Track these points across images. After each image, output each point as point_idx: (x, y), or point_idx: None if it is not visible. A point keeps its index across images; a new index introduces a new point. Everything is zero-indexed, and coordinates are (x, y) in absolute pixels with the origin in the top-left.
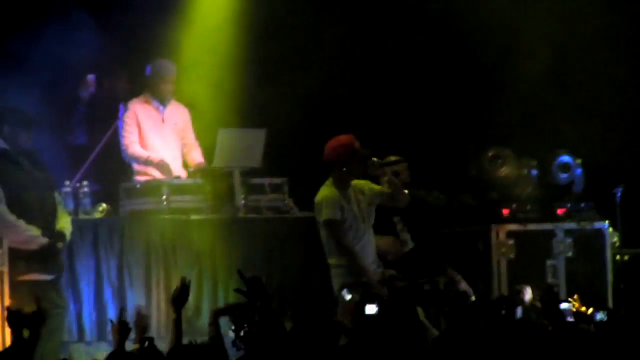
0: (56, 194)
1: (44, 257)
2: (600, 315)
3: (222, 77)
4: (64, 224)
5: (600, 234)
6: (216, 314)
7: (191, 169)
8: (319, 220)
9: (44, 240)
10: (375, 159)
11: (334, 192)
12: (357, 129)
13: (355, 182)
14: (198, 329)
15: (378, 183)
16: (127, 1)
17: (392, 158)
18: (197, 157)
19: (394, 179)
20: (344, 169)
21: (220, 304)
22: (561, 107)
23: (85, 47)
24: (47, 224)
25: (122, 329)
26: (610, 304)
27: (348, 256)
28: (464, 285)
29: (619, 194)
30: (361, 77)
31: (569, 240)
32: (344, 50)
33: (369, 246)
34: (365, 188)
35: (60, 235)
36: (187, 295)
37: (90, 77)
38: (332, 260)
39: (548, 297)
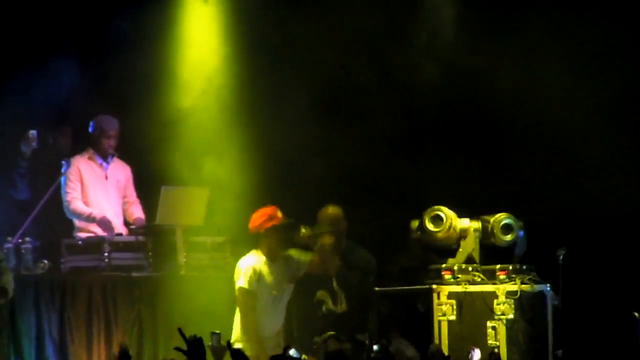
0: None
1: None
2: None
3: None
4: (6, 280)
5: (541, 296)
6: None
7: (131, 226)
8: (236, 283)
9: None
10: (304, 229)
11: (258, 261)
12: (298, 187)
13: (289, 251)
14: None
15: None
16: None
17: (323, 227)
18: (136, 211)
19: (325, 247)
20: (268, 239)
21: None
22: (505, 169)
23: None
24: None
25: None
26: None
27: (245, 327)
28: (411, 352)
29: (561, 257)
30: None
31: (510, 302)
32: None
33: (274, 318)
34: (295, 259)
35: (3, 291)
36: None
37: (33, 133)
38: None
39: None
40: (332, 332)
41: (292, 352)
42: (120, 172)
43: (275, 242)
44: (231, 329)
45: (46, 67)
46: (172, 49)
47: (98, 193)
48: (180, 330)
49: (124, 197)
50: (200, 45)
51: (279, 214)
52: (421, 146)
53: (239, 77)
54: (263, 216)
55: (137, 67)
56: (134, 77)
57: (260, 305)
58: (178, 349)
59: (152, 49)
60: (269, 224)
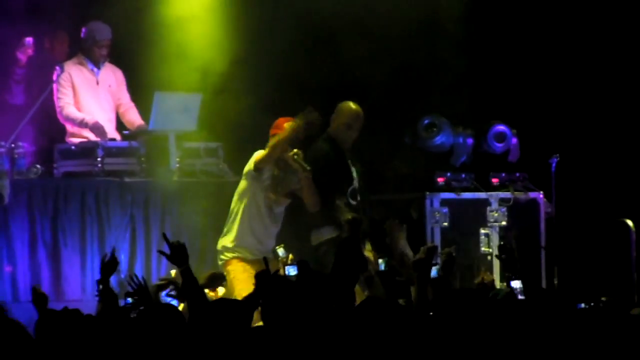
0: None
1: None
2: (515, 284)
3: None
4: (1, 184)
5: (534, 203)
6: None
7: (131, 131)
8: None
9: None
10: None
11: None
12: (293, 94)
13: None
14: None
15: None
16: None
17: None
18: (135, 118)
19: (307, 180)
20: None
21: (154, 266)
22: (497, 76)
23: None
24: None
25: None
26: (543, 273)
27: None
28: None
29: (554, 164)
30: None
31: (503, 209)
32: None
33: (270, 225)
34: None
35: None
36: (116, 264)
37: (28, 40)
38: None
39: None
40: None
41: (281, 252)
42: (111, 76)
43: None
44: (221, 233)
45: None
46: None
47: (89, 99)
48: (164, 235)
49: (118, 100)
50: None
51: (288, 125)
52: (416, 55)
53: None
54: (275, 123)
55: None
56: None
57: (257, 204)
58: (161, 252)
59: None
60: (273, 131)
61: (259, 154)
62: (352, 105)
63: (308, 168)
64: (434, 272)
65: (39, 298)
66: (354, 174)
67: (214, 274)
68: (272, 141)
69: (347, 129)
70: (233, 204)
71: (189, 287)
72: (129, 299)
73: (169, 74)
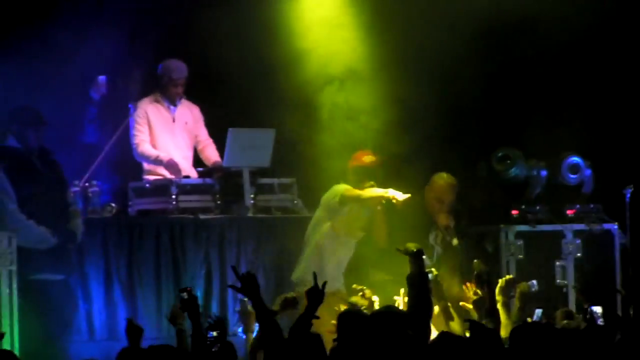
0: (68, 193)
1: (55, 257)
2: (596, 309)
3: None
4: (76, 224)
5: (609, 235)
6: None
7: (205, 168)
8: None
9: (55, 240)
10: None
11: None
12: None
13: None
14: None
15: None
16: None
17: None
18: (212, 154)
19: (380, 214)
20: (350, 177)
21: (230, 303)
22: (571, 108)
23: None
24: (58, 224)
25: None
26: (618, 304)
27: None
28: None
29: (628, 195)
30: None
31: (578, 241)
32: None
33: (342, 255)
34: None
35: (71, 235)
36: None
37: (101, 79)
38: None
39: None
40: None
41: None
42: (188, 113)
43: (353, 182)
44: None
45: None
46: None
47: (165, 136)
48: (233, 268)
49: (196, 137)
50: None
51: (366, 159)
52: (489, 87)
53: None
54: (354, 155)
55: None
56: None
57: (332, 234)
58: (232, 286)
59: None
60: (352, 164)
61: (347, 188)
62: (445, 178)
63: (384, 202)
64: None
65: (133, 330)
66: (432, 240)
67: (287, 298)
68: (370, 192)
69: (438, 203)
70: (308, 233)
71: (262, 318)
72: (212, 333)
73: (244, 110)
